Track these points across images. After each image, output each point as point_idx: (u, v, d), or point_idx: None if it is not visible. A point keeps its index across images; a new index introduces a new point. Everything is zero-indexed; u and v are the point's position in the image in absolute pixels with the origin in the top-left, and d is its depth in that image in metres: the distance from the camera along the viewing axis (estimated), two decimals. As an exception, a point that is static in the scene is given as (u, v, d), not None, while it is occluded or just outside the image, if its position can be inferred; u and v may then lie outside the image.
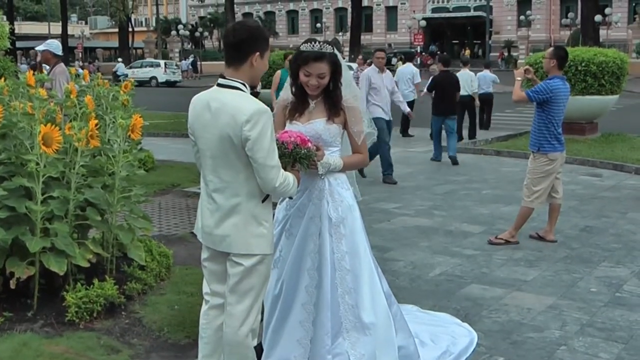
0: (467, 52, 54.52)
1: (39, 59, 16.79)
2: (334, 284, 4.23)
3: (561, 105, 7.56)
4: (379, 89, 11.45)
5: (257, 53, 3.58)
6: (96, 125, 5.23)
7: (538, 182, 7.68)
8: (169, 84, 49.81)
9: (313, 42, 4.19)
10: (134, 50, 72.16)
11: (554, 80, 7.50)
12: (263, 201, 3.65)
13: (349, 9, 56.73)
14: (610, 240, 7.90)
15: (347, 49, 46.23)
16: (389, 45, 69.60)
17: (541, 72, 16.22)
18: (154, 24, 77.30)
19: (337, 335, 4.22)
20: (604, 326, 5.45)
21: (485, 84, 18.50)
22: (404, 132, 18.45)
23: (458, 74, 15.55)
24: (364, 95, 10.98)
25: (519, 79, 7.85)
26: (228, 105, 3.50)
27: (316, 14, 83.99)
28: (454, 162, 13.76)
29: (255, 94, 3.78)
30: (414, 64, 20.12)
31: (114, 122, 5.78)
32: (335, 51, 4.21)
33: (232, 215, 3.61)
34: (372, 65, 11.91)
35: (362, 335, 4.21)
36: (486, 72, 19.07)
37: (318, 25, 79.54)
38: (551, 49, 8.07)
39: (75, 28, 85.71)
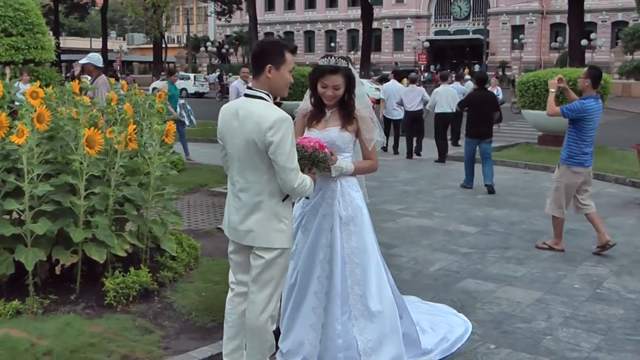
0: (467, 70, 54.34)
1: (77, 72, 16.71)
2: (344, 276, 4.24)
3: (593, 124, 7.19)
4: None
5: (269, 65, 3.59)
6: (134, 130, 5.28)
7: (556, 190, 7.49)
8: (198, 95, 49.83)
9: (329, 57, 4.22)
10: (166, 65, 72.25)
11: (588, 100, 7.12)
12: (283, 200, 3.65)
13: (361, 30, 56.54)
14: (591, 242, 7.84)
15: (358, 66, 46.10)
16: (395, 63, 69.31)
17: (540, 89, 16.20)
18: (184, 41, 77.52)
19: (346, 322, 4.23)
20: (585, 319, 5.44)
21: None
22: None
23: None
24: None
25: (553, 90, 7.27)
26: (254, 113, 3.53)
27: (331, 34, 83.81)
28: (491, 190, 11.15)
29: (278, 103, 3.80)
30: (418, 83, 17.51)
31: (150, 127, 5.81)
32: (350, 66, 4.23)
33: (256, 212, 3.63)
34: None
35: (369, 322, 4.21)
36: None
37: (332, 44, 79.44)
38: (586, 69, 7.49)
39: (114, 43, 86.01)
